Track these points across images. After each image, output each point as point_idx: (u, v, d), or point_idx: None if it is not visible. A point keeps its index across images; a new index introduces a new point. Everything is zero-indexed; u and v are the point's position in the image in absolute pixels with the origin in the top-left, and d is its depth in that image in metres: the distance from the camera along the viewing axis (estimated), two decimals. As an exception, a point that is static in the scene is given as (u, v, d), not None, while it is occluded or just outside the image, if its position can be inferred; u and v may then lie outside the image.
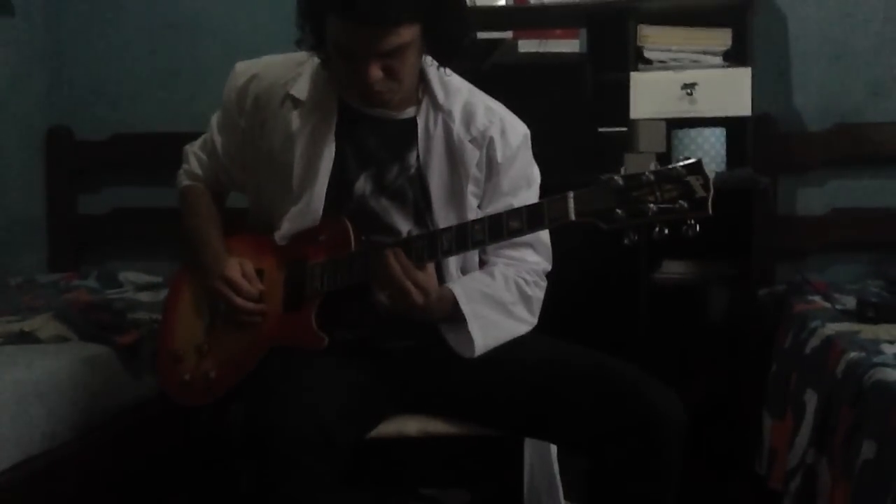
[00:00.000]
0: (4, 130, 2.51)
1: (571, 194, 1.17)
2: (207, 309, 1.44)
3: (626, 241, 1.15)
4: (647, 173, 1.12)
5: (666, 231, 1.12)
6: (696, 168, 1.11)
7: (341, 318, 1.35)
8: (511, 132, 1.40)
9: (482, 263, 1.42)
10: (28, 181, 2.61)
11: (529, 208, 1.22)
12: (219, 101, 1.49)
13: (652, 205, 1.12)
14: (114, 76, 2.67)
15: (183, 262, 1.54)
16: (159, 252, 2.51)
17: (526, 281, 1.39)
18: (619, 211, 1.13)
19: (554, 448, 1.50)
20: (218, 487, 1.90)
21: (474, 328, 1.30)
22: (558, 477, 1.51)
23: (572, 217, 1.17)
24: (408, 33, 1.22)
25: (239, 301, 1.37)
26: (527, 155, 1.43)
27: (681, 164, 1.12)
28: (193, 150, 1.55)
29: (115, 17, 2.66)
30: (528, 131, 1.44)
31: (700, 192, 1.10)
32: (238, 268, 1.39)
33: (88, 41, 2.67)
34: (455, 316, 1.31)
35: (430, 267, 1.28)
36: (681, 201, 1.10)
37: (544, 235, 1.43)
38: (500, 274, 1.38)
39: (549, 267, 1.45)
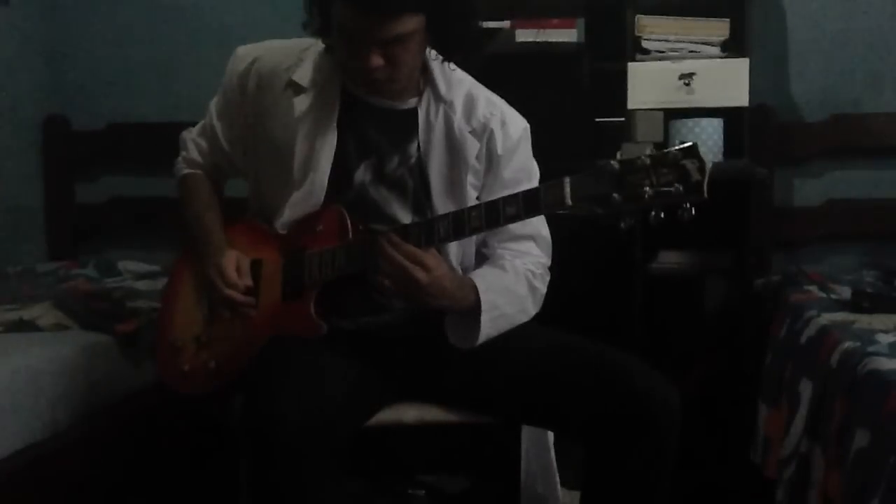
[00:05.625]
0: (1, 120, 2.51)
1: (568, 179, 1.17)
2: (207, 299, 1.44)
3: (622, 226, 1.15)
4: (642, 157, 1.11)
5: (662, 215, 1.12)
6: (692, 152, 1.10)
7: (340, 307, 1.35)
8: (512, 125, 1.40)
9: (482, 257, 1.42)
10: (25, 171, 2.61)
11: (526, 194, 1.21)
12: (216, 90, 1.49)
13: (648, 188, 1.11)
14: (110, 65, 2.66)
15: (182, 251, 1.54)
16: (157, 241, 2.51)
17: (534, 273, 1.40)
18: (615, 195, 1.13)
19: (551, 435, 1.50)
20: (218, 475, 1.91)
21: (485, 319, 1.30)
22: (555, 464, 1.52)
23: (569, 202, 1.16)
24: (411, 23, 1.22)
25: (226, 291, 1.37)
26: (527, 148, 1.43)
27: (676, 147, 1.11)
28: (192, 136, 1.54)
29: (112, 6, 2.65)
30: (527, 125, 1.43)
31: (696, 176, 1.09)
32: (234, 260, 1.39)
33: (85, 30, 2.66)
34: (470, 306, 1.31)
35: (433, 250, 1.27)
36: (676, 185, 1.10)
37: (544, 230, 1.43)
38: (510, 267, 1.37)
39: (549, 262, 1.45)
